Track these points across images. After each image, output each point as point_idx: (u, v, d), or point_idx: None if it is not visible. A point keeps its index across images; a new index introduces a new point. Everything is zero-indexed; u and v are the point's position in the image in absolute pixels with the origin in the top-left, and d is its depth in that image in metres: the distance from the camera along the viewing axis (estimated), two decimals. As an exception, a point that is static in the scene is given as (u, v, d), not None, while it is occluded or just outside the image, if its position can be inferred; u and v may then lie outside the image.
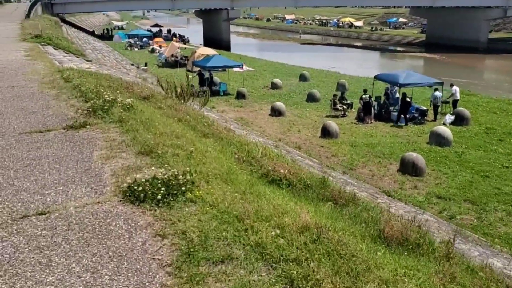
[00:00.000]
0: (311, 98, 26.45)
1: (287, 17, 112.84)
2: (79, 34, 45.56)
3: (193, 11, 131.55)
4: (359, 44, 75.94)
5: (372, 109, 21.62)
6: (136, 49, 49.58)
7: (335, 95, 24.12)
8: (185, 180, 3.75)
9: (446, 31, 63.90)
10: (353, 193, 4.55)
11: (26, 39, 19.09)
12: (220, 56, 31.65)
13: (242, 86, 29.63)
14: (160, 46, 50.24)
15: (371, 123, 20.99)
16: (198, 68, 36.07)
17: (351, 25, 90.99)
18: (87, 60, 18.88)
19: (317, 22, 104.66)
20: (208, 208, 3.36)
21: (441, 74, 38.34)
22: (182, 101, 8.65)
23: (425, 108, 22.21)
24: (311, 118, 22.97)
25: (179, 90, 9.18)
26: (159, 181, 3.77)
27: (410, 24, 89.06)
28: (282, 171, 4.41)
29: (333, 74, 37.78)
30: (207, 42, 63.25)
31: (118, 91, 7.81)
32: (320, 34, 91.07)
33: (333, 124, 19.55)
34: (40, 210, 3.53)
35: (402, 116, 21.34)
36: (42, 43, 18.34)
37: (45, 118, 6.25)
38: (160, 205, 3.54)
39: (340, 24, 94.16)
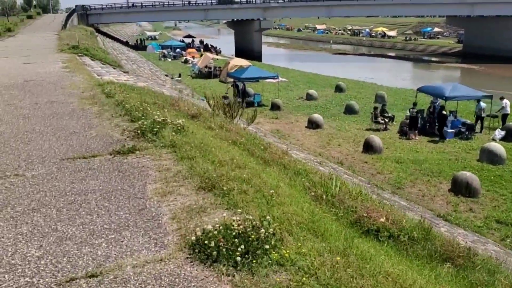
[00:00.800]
0: (350, 110, 25.44)
1: (318, 27, 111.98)
2: (113, 44, 46.01)
3: (225, 21, 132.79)
4: (392, 54, 74.21)
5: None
6: (170, 59, 49.69)
7: (375, 108, 23.01)
8: (266, 234, 2.95)
9: (485, 41, 61.51)
10: (468, 248, 3.65)
11: (64, 50, 18.95)
12: (254, 67, 31.02)
13: (277, 97, 28.91)
14: (193, 57, 50.21)
15: (416, 138, 19.84)
16: (232, 79, 35.88)
17: (384, 35, 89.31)
18: (124, 72, 18.53)
19: (348, 32, 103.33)
20: (305, 279, 2.54)
21: (482, 85, 36.54)
22: (230, 118, 7.93)
23: (471, 122, 20.94)
24: (350, 131, 21.98)
25: (218, 101, 8.50)
26: (234, 233, 2.99)
27: (445, 33, 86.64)
28: (379, 218, 3.58)
29: (370, 85, 36.55)
30: (239, 53, 63.05)
31: (164, 109, 7.16)
32: (352, 44, 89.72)
33: (376, 139, 18.52)
34: (91, 270, 2.79)
35: (450, 130, 20.15)
36: (79, 54, 18.12)
37: (88, 140, 5.62)
38: (239, 268, 2.75)
39: (373, 34, 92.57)
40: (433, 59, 68.02)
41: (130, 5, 64.73)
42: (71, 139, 5.68)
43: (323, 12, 64.01)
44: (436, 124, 20.46)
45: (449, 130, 20.37)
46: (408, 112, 21.49)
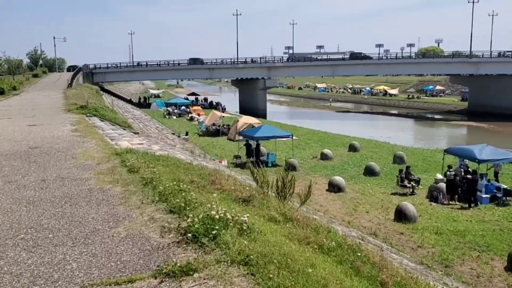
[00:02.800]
0: (370, 172, 24.04)
1: (318, 85, 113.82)
2: (118, 103, 45.42)
3: (226, 80, 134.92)
4: (395, 112, 74.15)
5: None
6: (175, 117, 48.99)
7: (401, 170, 21.60)
8: None
9: (490, 99, 61.43)
10: None
11: (71, 110, 17.71)
12: (267, 125, 29.93)
13: (290, 156, 27.57)
14: (199, 114, 49.61)
15: (455, 203, 18.28)
16: (241, 137, 34.73)
17: (385, 93, 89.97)
18: (134, 133, 17.22)
19: (349, 90, 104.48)
20: None
21: (499, 145, 35.46)
22: (283, 198, 6.38)
23: (506, 186, 19.53)
24: (375, 195, 20.41)
25: (263, 175, 6.98)
26: None
27: (447, 91, 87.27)
28: None
29: (384, 144, 35.39)
30: (243, 110, 62.81)
31: (204, 189, 5.65)
32: (353, 102, 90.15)
33: (409, 206, 16.94)
34: None
35: (484, 196, 18.73)
36: (88, 114, 16.87)
37: (117, 246, 4.01)
38: None
39: (374, 92, 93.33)
40: (437, 116, 67.75)
41: (135, 64, 65.25)
42: (93, 244, 4.05)
43: (327, 71, 64.47)
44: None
45: (483, 196, 18.90)
46: (438, 175, 20.12)
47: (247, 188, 6.27)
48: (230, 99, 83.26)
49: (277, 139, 28.98)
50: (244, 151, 28.33)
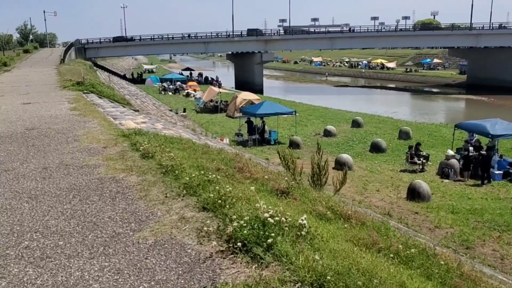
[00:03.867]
0: (376, 148, 23.35)
1: (315, 59, 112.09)
2: (113, 79, 44.08)
3: (220, 55, 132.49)
4: (392, 85, 73.24)
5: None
6: (170, 93, 47.78)
7: (410, 147, 20.91)
8: None
9: (490, 72, 60.53)
10: None
11: (67, 87, 16.67)
12: (269, 102, 28.98)
13: (293, 134, 26.80)
14: (195, 90, 48.45)
15: (467, 180, 17.67)
16: (240, 114, 33.80)
17: (383, 67, 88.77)
18: (134, 110, 16.31)
19: (346, 64, 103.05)
20: None
21: (505, 118, 34.89)
22: (319, 186, 5.61)
23: (519, 162, 18.93)
24: (384, 173, 19.75)
25: (293, 160, 6.20)
26: None
27: (445, 64, 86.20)
28: None
29: (387, 119, 34.60)
30: (239, 85, 61.59)
31: (233, 177, 4.86)
32: (350, 76, 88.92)
33: (423, 184, 16.26)
34: None
35: (497, 172, 18.15)
36: (85, 91, 15.88)
37: (146, 258, 3.16)
38: None
39: (372, 66, 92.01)
40: (435, 90, 66.99)
41: (128, 38, 63.36)
42: (116, 255, 3.22)
43: (326, 45, 62.96)
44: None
45: (496, 172, 18.31)
46: (449, 151, 19.44)
47: (280, 176, 5.49)
48: (225, 74, 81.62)
49: (278, 115, 28.11)
50: (245, 128, 27.51)
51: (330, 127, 27.74)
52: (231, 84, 65.08)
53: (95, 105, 12.25)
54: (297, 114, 29.40)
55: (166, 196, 4.42)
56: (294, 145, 23.98)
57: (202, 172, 4.79)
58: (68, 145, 6.98)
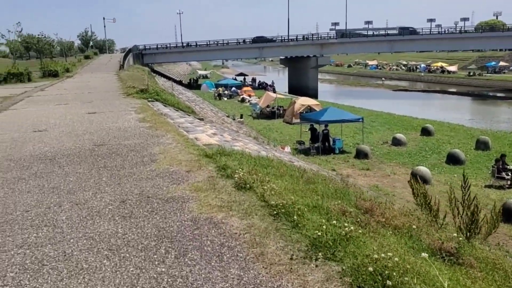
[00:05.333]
0: (453, 160, 21.22)
1: (370, 63, 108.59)
2: (170, 84, 44.15)
3: (271, 59, 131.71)
4: (454, 90, 69.07)
5: None
6: (225, 98, 47.31)
7: (497, 160, 18.72)
8: None
9: None
10: None
11: (131, 94, 16.05)
12: (333, 108, 27.42)
13: (359, 142, 25.10)
14: (250, 95, 47.70)
15: None
16: (298, 120, 32.44)
17: (443, 71, 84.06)
18: (199, 119, 15.39)
19: (403, 68, 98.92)
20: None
21: None
22: (472, 238, 4.17)
23: None
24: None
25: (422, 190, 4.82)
26: None
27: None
28: None
29: (459, 127, 31.96)
30: (292, 90, 60.29)
31: (371, 228, 3.55)
32: (408, 80, 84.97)
33: (520, 206, 14.17)
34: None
35: None
36: (150, 99, 15.15)
37: None
38: None
39: (431, 69, 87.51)
40: (499, 94, 62.44)
41: (184, 45, 63.84)
42: None
43: (385, 48, 60.28)
44: None
45: None
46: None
47: (420, 219, 4.11)
48: (276, 79, 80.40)
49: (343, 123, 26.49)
50: (305, 135, 26.17)
51: (399, 135, 25.77)
52: (284, 89, 63.84)
53: (163, 115, 11.34)
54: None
55: (291, 258, 3.16)
56: (362, 155, 22.32)
57: (325, 217, 3.51)
58: (145, 167, 5.94)
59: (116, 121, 10.06)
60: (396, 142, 25.36)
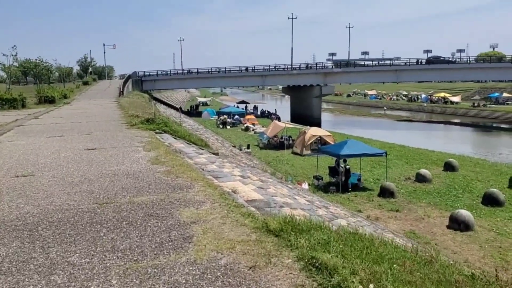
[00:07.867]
0: (492, 201, 19.00)
1: (369, 92, 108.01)
2: (171, 112, 42.14)
3: (269, 88, 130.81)
4: (457, 120, 67.77)
5: None
6: (229, 127, 45.33)
7: (544, 203, 16.55)
8: None
9: None
10: None
11: (135, 125, 13.87)
12: (354, 140, 25.33)
13: (382, 178, 22.90)
14: (253, 124, 45.82)
15: None
16: (308, 152, 30.34)
17: (446, 101, 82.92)
18: (213, 153, 13.19)
19: (403, 98, 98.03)
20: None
21: None
22: None
23: None
24: (517, 236, 15.45)
25: None
26: None
27: (515, 99, 79.51)
28: None
29: (483, 162, 29.93)
30: (295, 118, 58.57)
31: None
32: (411, 110, 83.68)
33: None
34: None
35: None
36: (157, 131, 12.97)
37: None
38: None
39: (434, 100, 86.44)
40: (504, 126, 61.15)
41: (185, 71, 62.35)
42: None
43: (391, 77, 58.94)
44: None
45: None
46: None
47: None
48: (276, 107, 78.98)
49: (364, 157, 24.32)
50: (322, 169, 24.04)
51: (423, 171, 23.62)
52: (286, 117, 62.11)
53: (178, 153, 9.13)
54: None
55: None
56: (387, 193, 20.07)
57: None
58: (176, 253, 3.66)
59: (122, 162, 7.81)
60: (421, 178, 23.21)
